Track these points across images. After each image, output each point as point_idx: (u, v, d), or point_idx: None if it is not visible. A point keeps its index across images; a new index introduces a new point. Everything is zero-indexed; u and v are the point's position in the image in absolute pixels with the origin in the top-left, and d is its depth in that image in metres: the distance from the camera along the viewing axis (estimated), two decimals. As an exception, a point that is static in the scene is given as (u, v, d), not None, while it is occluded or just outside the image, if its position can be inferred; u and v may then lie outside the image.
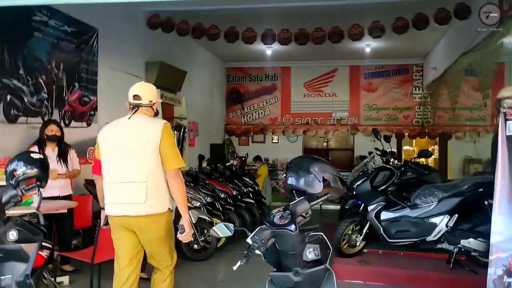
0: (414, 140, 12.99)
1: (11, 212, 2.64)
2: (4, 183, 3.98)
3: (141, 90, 3.02)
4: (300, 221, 2.25)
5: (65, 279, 4.46)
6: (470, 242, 4.16)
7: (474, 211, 4.24)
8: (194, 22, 7.49)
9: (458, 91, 7.85)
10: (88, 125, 6.11)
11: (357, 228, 4.84)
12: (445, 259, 4.55)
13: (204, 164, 10.67)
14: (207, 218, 5.43)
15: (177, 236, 2.89)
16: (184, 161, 3.02)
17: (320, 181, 2.27)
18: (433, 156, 12.60)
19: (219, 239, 5.68)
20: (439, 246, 4.38)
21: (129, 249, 2.94)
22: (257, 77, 12.55)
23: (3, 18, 4.59)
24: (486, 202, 4.04)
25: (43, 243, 2.68)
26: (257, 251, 2.12)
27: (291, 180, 2.33)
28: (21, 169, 2.66)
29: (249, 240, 2.14)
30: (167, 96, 8.10)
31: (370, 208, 4.57)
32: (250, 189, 7.29)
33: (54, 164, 4.64)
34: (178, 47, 8.98)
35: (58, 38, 5.47)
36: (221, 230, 2.29)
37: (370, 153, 7.33)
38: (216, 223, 5.56)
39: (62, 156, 4.81)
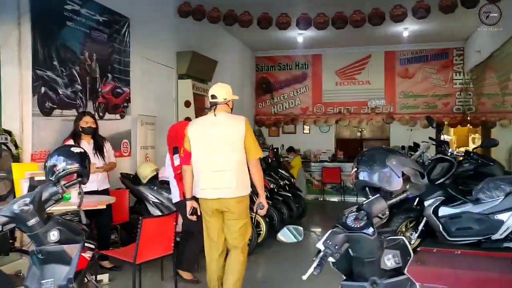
0: (452, 129, 12.41)
1: (52, 210, 2.45)
2: (41, 178, 3.86)
3: (217, 90, 3.48)
4: (376, 223, 1.95)
5: (104, 277, 4.30)
6: (543, 241, 3.77)
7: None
8: (225, 9, 7.22)
9: (509, 74, 7.30)
10: (122, 117, 5.94)
11: (411, 225, 4.50)
12: (508, 258, 4.16)
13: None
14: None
15: (258, 212, 3.56)
16: None
17: (399, 176, 1.97)
18: (474, 145, 12.05)
19: (259, 234, 5.44)
20: (505, 245, 3.99)
21: (218, 227, 3.48)
22: (287, 66, 12.20)
23: (36, 8, 4.43)
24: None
25: (86, 244, 2.49)
26: (330, 259, 1.84)
27: (363, 175, 2.03)
28: (61, 165, 2.46)
29: (320, 246, 1.86)
30: (198, 87, 7.88)
31: (427, 203, 4.21)
32: (286, 181, 7.01)
33: (91, 158, 4.46)
34: (208, 36, 8.74)
35: (90, 28, 5.30)
36: (285, 236, 2.01)
37: (415, 144, 6.93)
38: (255, 219, 5.40)
39: (98, 148, 4.64)
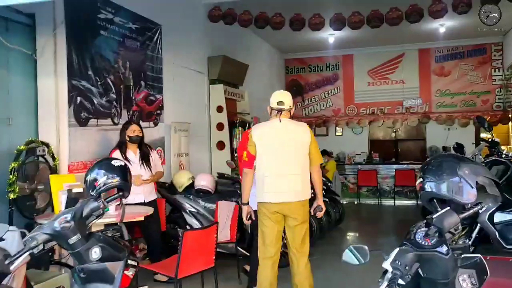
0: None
1: (96, 225, 2.36)
2: (79, 189, 3.81)
3: (284, 97, 3.59)
4: (448, 239, 1.76)
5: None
6: None
7: None
8: (256, 12, 7.09)
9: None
10: (155, 124, 5.89)
11: (464, 232, 4.21)
12: None
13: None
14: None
15: (317, 214, 3.66)
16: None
17: (473, 187, 1.77)
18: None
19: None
20: None
21: (276, 233, 3.49)
22: (317, 67, 11.98)
23: (70, 18, 4.42)
24: None
25: (129, 261, 2.39)
26: (400, 281, 1.65)
27: (430, 186, 1.84)
28: (102, 179, 2.36)
29: (387, 266, 1.68)
30: (230, 91, 7.78)
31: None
32: (323, 186, 6.79)
33: (138, 169, 4.40)
34: (237, 40, 8.65)
35: (123, 36, 5.26)
36: (348, 258, 1.83)
37: (458, 145, 6.58)
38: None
39: (145, 158, 4.54)
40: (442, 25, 9.04)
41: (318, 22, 6.79)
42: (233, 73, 7.88)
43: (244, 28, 7.72)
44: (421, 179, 1.87)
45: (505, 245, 3.85)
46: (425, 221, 1.80)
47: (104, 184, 2.36)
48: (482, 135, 11.57)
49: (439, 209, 1.82)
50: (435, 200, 1.86)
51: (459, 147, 6.75)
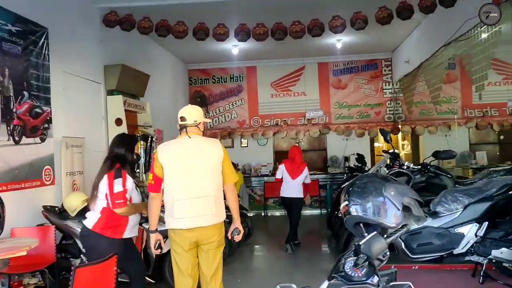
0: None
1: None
2: None
3: (186, 112, 3.37)
4: (377, 266, 1.63)
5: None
6: (502, 253, 3.69)
7: (503, 217, 3.79)
8: (157, 19, 6.70)
9: (440, 84, 7.52)
10: (42, 140, 5.19)
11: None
12: (466, 271, 4.08)
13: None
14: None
15: (235, 238, 3.42)
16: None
17: (399, 209, 1.67)
18: (404, 152, 12.49)
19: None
20: (467, 258, 3.89)
21: (193, 260, 3.27)
22: (221, 79, 11.86)
23: None
24: (517, 205, 3.62)
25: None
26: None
27: (356, 209, 1.71)
28: None
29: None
30: (130, 103, 7.24)
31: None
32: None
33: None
34: (138, 48, 8.15)
35: (0, 39, 4.55)
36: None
37: (359, 155, 6.84)
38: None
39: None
40: (339, 41, 9.48)
41: (223, 33, 6.62)
42: (133, 83, 7.37)
43: (145, 36, 7.26)
44: (346, 202, 1.74)
45: (410, 255, 3.97)
46: (353, 248, 1.65)
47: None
48: (376, 144, 12.42)
49: (366, 234, 1.69)
50: (361, 225, 1.74)
51: (360, 158, 7.03)
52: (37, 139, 5.11)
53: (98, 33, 6.67)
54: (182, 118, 3.33)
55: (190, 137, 3.28)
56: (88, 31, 6.46)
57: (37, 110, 5.11)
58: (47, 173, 5.24)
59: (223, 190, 3.34)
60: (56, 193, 5.35)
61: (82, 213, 4.58)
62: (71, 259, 4.56)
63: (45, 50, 5.29)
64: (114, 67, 6.81)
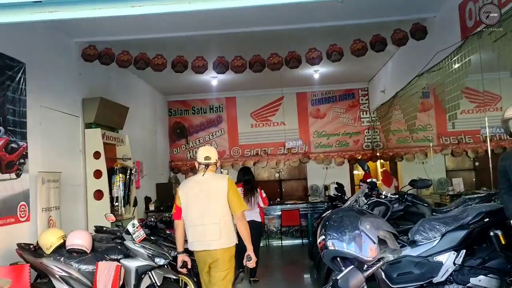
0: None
1: None
2: None
3: (210, 153, 3.96)
4: (355, 302, 1.63)
5: None
6: (480, 280, 3.71)
7: (479, 244, 3.84)
8: (135, 52, 6.76)
9: (415, 112, 7.74)
10: (18, 175, 5.08)
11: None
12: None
13: (152, 207, 9.74)
14: (173, 276, 4.59)
15: (246, 263, 3.81)
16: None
17: (375, 242, 1.69)
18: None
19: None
20: (446, 287, 3.90)
21: (206, 282, 3.87)
22: (201, 110, 11.94)
23: None
24: (491, 233, 3.67)
25: None
26: None
27: (333, 244, 1.73)
28: None
29: None
30: (108, 136, 7.20)
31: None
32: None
33: None
34: (117, 81, 8.17)
35: (-25, 74, 4.52)
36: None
37: (339, 185, 6.89)
38: (182, 281, 4.82)
39: None
40: (317, 71, 9.71)
41: (201, 65, 6.72)
42: (112, 116, 7.34)
43: (123, 69, 7.30)
44: (323, 237, 1.75)
45: (390, 285, 3.94)
46: (331, 283, 1.66)
47: None
48: (356, 172, 12.54)
49: (343, 268, 1.71)
50: (338, 259, 1.75)
51: (340, 186, 7.08)
52: (13, 175, 5.00)
53: (77, 67, 6.68)
54: (207, 158, 3.88)
55: (204, 173, 3.83)
56: (66, 65, 6.46)
57: (13, 145, 5.03)
58: (22, 209, 5.11)
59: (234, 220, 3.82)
60: (31, 230, 5.21)
61: (57, 251, 4.48)
62: (46, 300, 4.40)
63: (22, 85, 5.26)
64: (93, 100, 6.80)
